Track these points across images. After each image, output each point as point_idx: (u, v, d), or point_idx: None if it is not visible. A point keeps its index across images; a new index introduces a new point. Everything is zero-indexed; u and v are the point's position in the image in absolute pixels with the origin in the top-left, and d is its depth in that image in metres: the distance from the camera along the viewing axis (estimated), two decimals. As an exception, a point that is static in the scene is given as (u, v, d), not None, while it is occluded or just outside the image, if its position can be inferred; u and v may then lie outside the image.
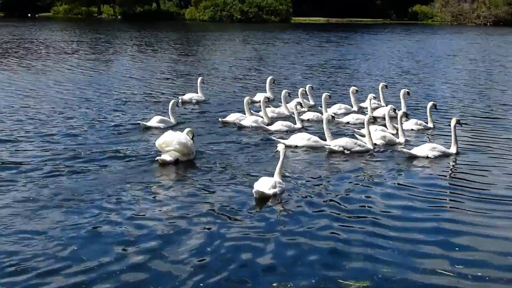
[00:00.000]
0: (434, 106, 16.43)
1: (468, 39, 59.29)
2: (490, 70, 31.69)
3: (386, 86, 20.04)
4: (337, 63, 33.69)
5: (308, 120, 17.32)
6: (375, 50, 43.63)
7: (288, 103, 18.19)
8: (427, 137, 15.64)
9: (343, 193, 10.64)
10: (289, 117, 17.46)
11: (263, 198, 9.91)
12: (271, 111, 17.69)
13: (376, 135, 14.58)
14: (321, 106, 18.20)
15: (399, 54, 40.82)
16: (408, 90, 18.17)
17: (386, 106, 17.94)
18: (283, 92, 18.14)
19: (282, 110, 18.00)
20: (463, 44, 52.49)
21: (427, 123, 16.45)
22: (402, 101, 17.88)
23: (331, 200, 10.20)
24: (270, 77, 20.56)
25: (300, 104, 16.78)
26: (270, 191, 10.04)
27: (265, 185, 10.08)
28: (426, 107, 16.66)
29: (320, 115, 17.34)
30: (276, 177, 10.42)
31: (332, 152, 13.57)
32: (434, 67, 32.66)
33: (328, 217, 9.48)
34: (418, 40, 56.96)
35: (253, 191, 10.03)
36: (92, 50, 39.22)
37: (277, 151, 10.82)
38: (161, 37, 51.77)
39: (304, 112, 17.90)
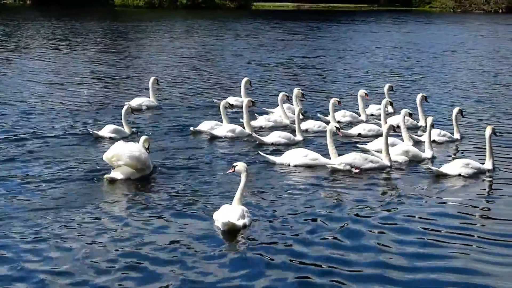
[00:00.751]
0: (461, 112, 16.58)
1: (472, 31, 60.55)
2: (500, 70, 32.25)
3: (392, 87, 20.18)
4: (303, 62, 34.11)
5: (306, 130, 17.30)
6: (353, 44, 44.14)
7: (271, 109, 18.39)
8: (455, 151, 15.85)
9: (343, 227, 10.36)
10: (285, 127, 17.66)
11: (231, 232, 9.89)
12: (265, 119, 17.94)
13: (397, 149, 14.52)
14: (314, 115, 18.58)
15: (382, 49, 41.56)
16: (425, 95, 18.33)
17: (394, 112, 18.25)
18: (280, 95, 18.25)
19: (279, 117, 18.14)
20: (464, 36, 53.75)
21: (452, 134, 16.67)
22: (420, 108, 18.18)
23: (323, 238, 9.94)
24: (245, 79, 20.67)
25: (302, 112, 16.76)
26: (240, 222, 10.02)
27: (232, 215, 10.03)
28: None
29: (324, 124, 17.35)
30: (237, 205, 10.40)
31: (336, 171, 13.50)
32: (424, 66, 33.10)
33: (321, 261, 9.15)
34: (408, 31, 58.25)
35: (218, 223, 10.05)
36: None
37: (233, 171, 10.81)
38: (81, 29, 51.15)
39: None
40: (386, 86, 19.81)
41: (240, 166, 10.70)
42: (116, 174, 12.43)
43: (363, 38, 50.38)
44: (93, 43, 41.79)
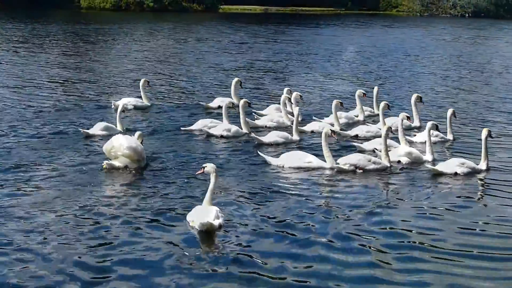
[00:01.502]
0: (454, 114, 16.75)
1: (434, 34, 61.46)
2: (460, 74, 33.04)
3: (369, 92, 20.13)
4: (263, 65, 34.12)
5: (312, 131, 17.48)
6: (318, 47, 44.70)
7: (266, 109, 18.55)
8: (448, 151, 16.14)
9: (322, 229, 10.52)
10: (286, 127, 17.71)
11: (207, 232, 10.05)
12: (268, 120, 18.20)
13: (400, 151, 14.77)
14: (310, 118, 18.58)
15: (345, 53, 41.94)
16: (420, 96, 18.37)
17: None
18: (283, 97, 18.36)
19: (281, 118, 18.27)
20: (427, 40, 54.49)
21: (445, 134, 16.87)
22: (414, 109, 18.26)
23: (304, 241, 10.01)
24: (236, 79, 20.79)
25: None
26: (216, 222, 10.14)
27: (207, 215, 10.13)
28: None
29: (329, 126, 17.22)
30: (209, 206, 10.48)
31: (329, 174, 13.63)
32: (388, 70, 33.45)
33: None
34: (370, 35, 58.84)
35: (194, 224, 10.16)
36: None
37: (202, 172, 10.96)
38: (47, 31, 50.20)
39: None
40: (375, 89, 19.96)
41: (209, 167, 10.84)
42: (115, 164, 13.28)
43: (327, 41, 50.75)
44: (57, 45, 41.35)
